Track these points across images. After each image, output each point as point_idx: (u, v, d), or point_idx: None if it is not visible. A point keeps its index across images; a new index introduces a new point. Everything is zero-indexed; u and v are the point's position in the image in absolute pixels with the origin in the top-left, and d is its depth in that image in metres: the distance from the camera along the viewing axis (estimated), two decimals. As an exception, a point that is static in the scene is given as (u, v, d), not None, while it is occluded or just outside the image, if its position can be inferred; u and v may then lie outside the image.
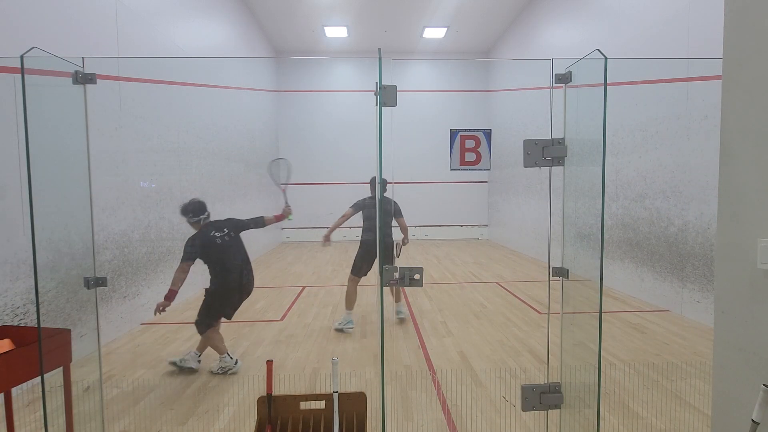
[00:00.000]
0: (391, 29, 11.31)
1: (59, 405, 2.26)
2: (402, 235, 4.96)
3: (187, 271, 3.57)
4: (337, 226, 4.77)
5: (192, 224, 3.74)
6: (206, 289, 3.71)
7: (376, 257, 4.71)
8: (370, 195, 5.00)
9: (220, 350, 3.59)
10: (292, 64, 12.97)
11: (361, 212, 4.88)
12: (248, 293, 3.82)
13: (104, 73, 4.53)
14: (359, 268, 4.81)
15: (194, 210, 3.71)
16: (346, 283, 4.89)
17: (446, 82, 13.34)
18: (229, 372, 3.54)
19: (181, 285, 3.52)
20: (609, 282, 6.40)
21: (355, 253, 4.90)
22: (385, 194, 4.94)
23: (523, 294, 6.20)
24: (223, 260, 3.66)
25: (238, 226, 3.88)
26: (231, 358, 3.58)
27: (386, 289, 4.68)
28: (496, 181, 12.48)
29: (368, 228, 4.87)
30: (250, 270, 3.82)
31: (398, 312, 4.99)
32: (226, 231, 3.77)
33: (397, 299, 5.07)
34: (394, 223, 4.94)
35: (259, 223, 3.96)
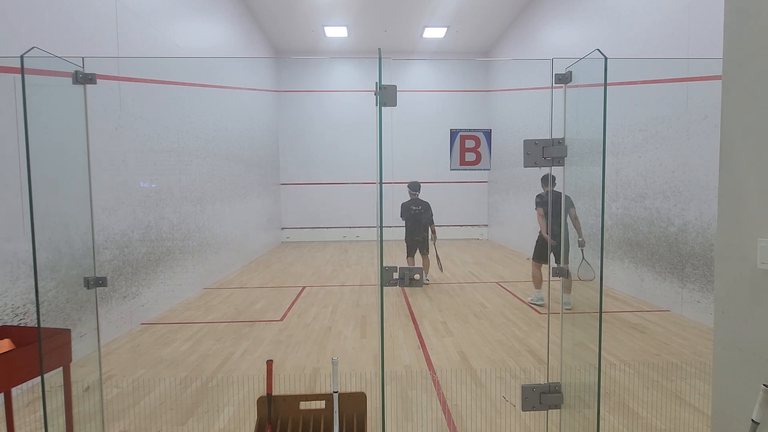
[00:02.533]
0: (391, 29, 11.31)
1: (59, 405, 2.26)
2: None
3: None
4: (545, 224, 5.68)
5: (411, 194, 6.89)
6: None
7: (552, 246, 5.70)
8: (545, 191, 5.66)
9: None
10: (292, 64, 12.97)
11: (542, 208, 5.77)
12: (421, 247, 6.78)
13: (104, 73, 4.53)
14: (542, 256, 5.70)
15: (412, 187, 6.91)
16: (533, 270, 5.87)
17: (446, 82, 13.34)
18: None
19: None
20: (609, 282, 6.40)
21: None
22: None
23: (523, 294, 6.20)
24: (411, 223, 6.78)
25: (428, 211, 6.86)
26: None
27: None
28: (496, 181, 12.48)
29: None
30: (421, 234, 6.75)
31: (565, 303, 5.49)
32: (420, 208, 6.73)
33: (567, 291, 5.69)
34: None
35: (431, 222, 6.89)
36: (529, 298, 5.74)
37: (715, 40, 4.52)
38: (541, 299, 5.58)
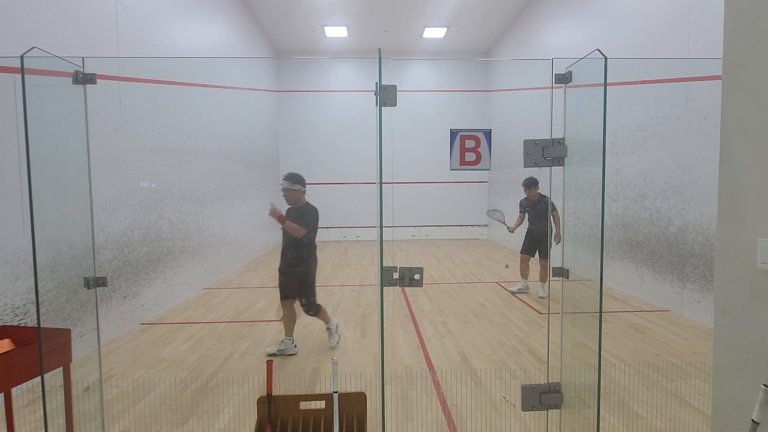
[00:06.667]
0: (391, 29, 11.31)
1: (59, 405, 2.26)
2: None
3: None
4: (519, 224, 6.56)
5: (302, 192, 4.04)
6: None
7: (539, 242, 6.14)
8: (525, 197, 6.32)
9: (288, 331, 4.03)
10: (292, 64, 12.97)
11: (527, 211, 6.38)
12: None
13: (104, 73, 4.53)
14: (528, 249, 6.31)
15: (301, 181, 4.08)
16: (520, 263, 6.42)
17: (446, 82, 13.33)
18: (288, 353, 3.94)
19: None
20: (609, 282, 6.39)
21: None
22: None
23: (523, 294, 6.20)
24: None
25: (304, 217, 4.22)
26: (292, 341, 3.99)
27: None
28: (496, 181, 12.47)
29: (532, 221, 6.34)
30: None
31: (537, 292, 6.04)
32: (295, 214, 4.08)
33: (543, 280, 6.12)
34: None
35: None
36: (514, 288, 6.28)
37: (715, 40, 4.51)
38: (521, 288, 6.20)
